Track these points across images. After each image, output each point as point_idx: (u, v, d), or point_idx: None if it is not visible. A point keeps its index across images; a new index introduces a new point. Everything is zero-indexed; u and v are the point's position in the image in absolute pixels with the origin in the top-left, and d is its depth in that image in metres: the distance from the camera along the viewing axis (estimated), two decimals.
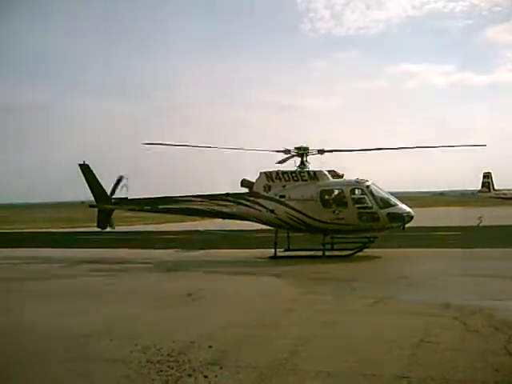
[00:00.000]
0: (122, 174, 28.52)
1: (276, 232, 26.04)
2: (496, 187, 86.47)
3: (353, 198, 24.83)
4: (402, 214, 24.81)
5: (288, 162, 26.57)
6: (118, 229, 32.30)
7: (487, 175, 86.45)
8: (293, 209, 25.39)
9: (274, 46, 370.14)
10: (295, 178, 25.90)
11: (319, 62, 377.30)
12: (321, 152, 26.47)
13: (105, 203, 28.78)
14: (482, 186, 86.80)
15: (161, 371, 8.94)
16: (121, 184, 28.39)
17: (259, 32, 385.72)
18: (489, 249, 25.70)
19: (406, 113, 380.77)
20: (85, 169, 28.90)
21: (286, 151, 26.34)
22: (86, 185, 28.96)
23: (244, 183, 26.75)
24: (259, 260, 25.18)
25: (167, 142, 28.22)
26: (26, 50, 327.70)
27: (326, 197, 25.26)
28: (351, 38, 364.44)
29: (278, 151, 26.49)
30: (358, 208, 24.64)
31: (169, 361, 9.43)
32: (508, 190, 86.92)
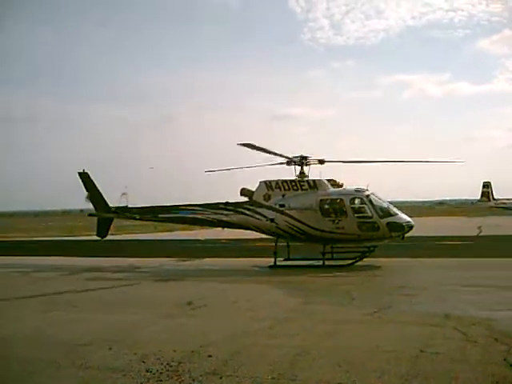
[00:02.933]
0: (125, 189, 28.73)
1: (276, 241, 26.04)
2: (495, 197, 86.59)
3: (352, 208, 24.83)
4: (401, 223, 24.81)
5: (288, 171, 26.70)
6: (115, 237, 32.30)
7: (487, 185, 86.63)
8: (292, 218, 25.40)
9: (273, 54, 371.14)
10: (295, 188, 25.92)
11: (316, 71, 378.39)
12: (321, 162, 26.51)
13: (104, 212, 28.80)
14: (482, 196, 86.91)
15: (160, 381, 8.93)
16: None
17: (258, 40, 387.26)
18: (488, 258, 25.71)
19: (402, 123, 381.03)
20: (84, 177, 28.92)
21: (288, 162, 26.41)
22: (86, 193, 28.99)
23: (243, 192, 26.78)
24: (259, 269, 25.18)
25: (227, 168, 28.40)
26: (28, 57, 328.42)
27: (326, 206, 25.27)
28: (350, 47, 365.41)
29: (278, 164, 26.60)
30: (358, 217, 24.63)
31: (168, 370, 9.41)
32: (507, 199, 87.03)
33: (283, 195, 25.92)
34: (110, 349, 10.98)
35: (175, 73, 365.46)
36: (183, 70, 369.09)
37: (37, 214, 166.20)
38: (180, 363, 9.77)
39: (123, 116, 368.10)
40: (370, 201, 24.81)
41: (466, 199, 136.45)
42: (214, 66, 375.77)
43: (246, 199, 26.75)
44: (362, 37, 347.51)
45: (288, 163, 26.51)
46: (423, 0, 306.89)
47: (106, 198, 28.92)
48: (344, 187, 26.26)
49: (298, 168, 26.55)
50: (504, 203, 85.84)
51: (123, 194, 28.79)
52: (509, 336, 11.05)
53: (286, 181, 26.17)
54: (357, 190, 25.33)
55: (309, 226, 25.15)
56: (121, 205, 28.69)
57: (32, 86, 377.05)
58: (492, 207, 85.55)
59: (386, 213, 24.83)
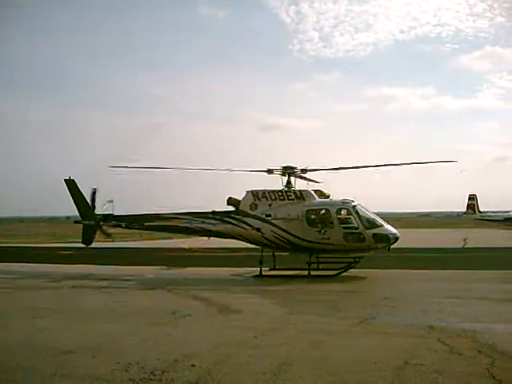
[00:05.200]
0: (94, 187, 28.66)
1: (262, 251, 26.00)
2: (481, 209, 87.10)
3: (339, 218, 24.87)
4: (387, 234, 24.87)
5: (274, 181, 26.72)
6: (103, 245, 32.12)
7: (472, 197, 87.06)
8: (279, 228, 25.39)
9: (262, 65, 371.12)
10: (281, 198, 25.94)
11: (304, 82, 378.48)
12: (303, 171, 26.56)
13: (90, 219, 28.66)
14: (468, 208, 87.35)
15: None
16: (97, 197, 28.47)
17: (248, 51, 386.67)
18: (473, 270, 25.81)
19: (387, 135, 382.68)
20: (70, 184, 28.77)
21: (269, 171, 26.47)
22: (72, 200, 28.84)
23: (230, 201, 26.74)
24: (244, 279, 25.15)
25: (133, 165, 28.86)
26: (24, 64, 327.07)
27: (312, 216, 25.30)
28: (338, 60, 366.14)
29: (261, 171, 26.61)
30: (344, 228, 24.68)
31: (151, 379, 9.35)
32: (493, 212, 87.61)
33: (270, 205, 25.92)
34: (94, 357, 10.91)
35: (163, 81, 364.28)
36: (171, 79, 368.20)
37: (21, 220, 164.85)
38: (163, 372, 9.71)
39: (113, 123, 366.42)
40: (357, 211, 24.88)
41: (452, 211, 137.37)
42: (203, 75, 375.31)
43: (232, 208, 26.71)
44: (350, 49, 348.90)
45: (269, 172, 26.55)
46: (412, 14, 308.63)
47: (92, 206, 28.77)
48: (330, 198, 26.33)
49: (285, 178, 26.61)
50: (489, 216, 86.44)
51: (109, 201, 28.69)
52: (493, 348, 11.10)
53: (272, 191, 26.18)
54: (343, 201, 25.39)
55: (295, 236, 25.15)
56: (106, 212, 28.56)
57: (25, 89, 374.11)
58: (477, 219, 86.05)
59: (372, 224, 24.89)
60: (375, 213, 26.11)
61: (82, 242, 29.64)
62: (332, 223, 24.83)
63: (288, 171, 26.46)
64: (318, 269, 25.55)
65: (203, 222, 26.93)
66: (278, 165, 26.44)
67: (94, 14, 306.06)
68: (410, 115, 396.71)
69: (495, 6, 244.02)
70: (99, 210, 28.67)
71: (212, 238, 28.25)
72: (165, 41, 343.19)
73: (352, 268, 25.17)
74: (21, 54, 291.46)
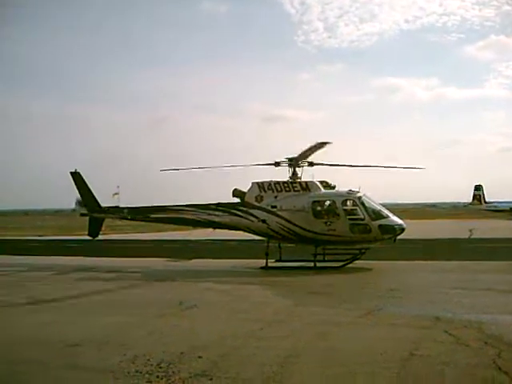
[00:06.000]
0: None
1: (267, 242, 26.03)
2: (487, 200, 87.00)
3: (344, 210, 24.84)
4: (393, 226, 24.84)
5: (280, 172, 26.69)
6: (107, 237, 32.16)
7: (478, 188, 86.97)
8: (284, 219, 25.39)
9: (267, 56, 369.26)
10: (287, 189, 25.92)
11: (309, 73, 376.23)
12: (310, 164, 26.49)
13: (96, 211, 28.73)
14: (473, 199, 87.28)
15: (149, 382, 8.90)
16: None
17: (252, 42, 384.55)
18: (479, 261, 25.76)
19: (392, 125, 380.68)
20: (76, 177, 28.85)
21: (277, 164, 26.42)
22: (78, 193, 28.94)
23: (236, 193, 26.74)
24: (250, 270, 25.15)
25: (181, 167, 28.71)
26: (22, 60, 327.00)
27: (318, 208, 25.30)
28: (343, 50, 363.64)
29: (269, 164, 26.55)
30: (350, 219, 24.65)
31: (158, 371, 9.38)
32: (498, 202, 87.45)
33: (275, 196, 25.91)
34: (100, 350, 10.94)
35: (166, 75, 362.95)
36: (174, 73, 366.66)
37: (26, 213, 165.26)
38: (170, 364, 9.74)
39: (117, 117, 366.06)
40: (362, 203, 24.84)
41: (459, 202, 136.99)
42: (207, 68, 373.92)
43: (237, 200, 26.71)
44: (355, 40, 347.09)
45: (276, 164, 26.51)
46: (417, 4, 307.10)
47: (97, 198, 28.88)
48: (336, 189, 26.29)
49: (291, 169, 26.55)
50: (495, 206, 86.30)
51: (115, 193, 28.80)
52: (499, 339, 11.08)
53: (278, 182, 26.17)
54: (349, 192, 25.34)
55: (300, 227, 25.15)
56: (112, 205, 28.65)
57: (27, 86, 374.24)
58: (483, 210, 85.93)
59: (378, 215, 24.85)
60: (381, 204, 26.08)
61: (89, 235, 29.74)
62: (338, 214, 24.81)
63: (293, 162, 26.40)
64: (323, 260, 25.56)
65: (209, 214, 26.96)
66: (283, 156, 26.40)
67: (94, 13, 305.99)
68: (414, 106, 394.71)
69: None
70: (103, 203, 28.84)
71: (218, 230, 28.27)
72: (166, 37, 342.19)
73: (358, 259, 25.15)
74: (21, 52, 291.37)
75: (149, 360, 10.01)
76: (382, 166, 27.46)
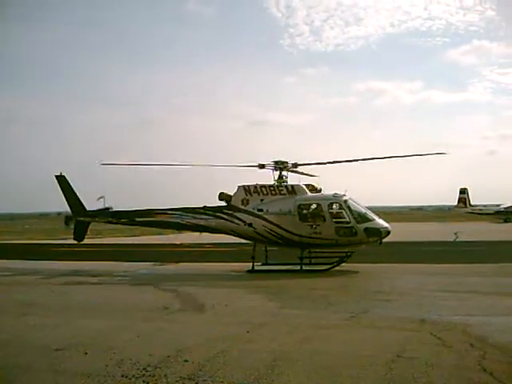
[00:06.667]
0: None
1: (254, 246, 26.03)
2: (472, 203, 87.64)
3: (330, 213, 24.89)
4: (379, 228, 24.93)
5: (266, 175, 26.71)
6: (95, 241, 32.03)
7: (463, 191, 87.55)
8: (270, 223, 25.40)
9: (253, 60, 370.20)
10: (273, 192, 25.95)
11: (295, 76, 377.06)
12: (295, 165, 26.56)
13: (81, 215, 28.59)
14: (459, 202, 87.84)
15: None
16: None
17: (238, 46, 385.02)
18: (464, 264, 25.92)
19: (377, 129, 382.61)
20: (61, 180, 28.67)
21: (261, 166, 26.45)
22: (63, 196, 28.75)
23: (222, 196, 26.70)
24: (236, 274, 25.13)
25: (125, 162, 29.19)
26: (15, 60, 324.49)
27: (304, 211, 25.33)
28: (329, 54, 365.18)
29: (252, 166, 26.57)
30: (336, 222, 24.71)
31: (144, 375, 9.34)
32: (483, 205, 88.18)
33: (261, 200, 25.92)
34: (86, 353, 10.88)
35: (152, 76, 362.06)
36: (160, 74, 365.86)
37: (12, 218, 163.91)
38: (156, 368, 9.70)
39: (103, 118, 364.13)
40: (348, 206, 24.91)
41: (444, 205, 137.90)
42: (193, 70, 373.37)
43: (224, 204, 26.69)
44: (341, 43, 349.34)
45: (260, 166, 26.53)
46: (402, 8, 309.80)
47: (83, 202, 28.74)
48: (322, 192, 26.35)
49: (277, 173, 26.60)
50: (480, 209, 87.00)
51: (100, 197, 28.66)
52: (484, 341, 11.15)
53: (264, 185, 26.18)
54: (335, 196, 25.40)
55: (287, 230, 25.17)
56: (97, 209, 28.55)
57: (10, 87, 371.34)
58: (468, 213, 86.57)
59: (364, 218, 24.94)
60: (367, 207, 26.17)
61: (74, 239, 29.59)
62: (324, 217, 24.86)
63: (279, 166, 26.45)
64: (310, 263, 25.61)
65: (195, 218, 26.90)
66: (268, 160, 26.45)
67: (86, 10, 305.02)
68: (399, 109, 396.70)
69: None
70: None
71: (204, 234, 28.22)
72: (153, 40, 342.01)
73: (344, 262, 25.21)
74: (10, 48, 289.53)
75: (135, 364, 9.96)
76: (398, 156, 27.01)
